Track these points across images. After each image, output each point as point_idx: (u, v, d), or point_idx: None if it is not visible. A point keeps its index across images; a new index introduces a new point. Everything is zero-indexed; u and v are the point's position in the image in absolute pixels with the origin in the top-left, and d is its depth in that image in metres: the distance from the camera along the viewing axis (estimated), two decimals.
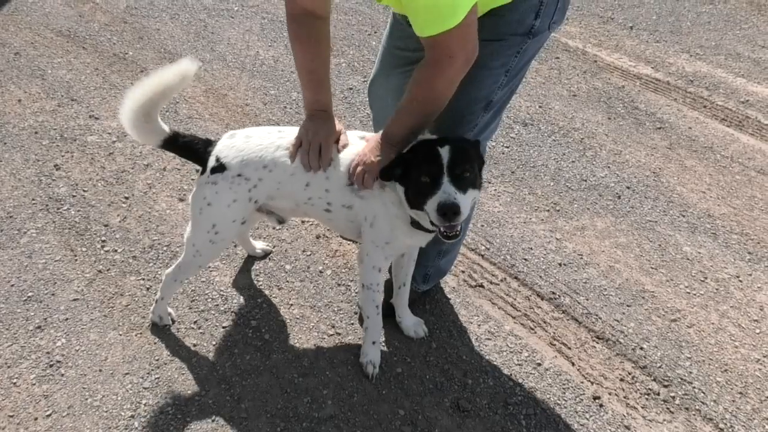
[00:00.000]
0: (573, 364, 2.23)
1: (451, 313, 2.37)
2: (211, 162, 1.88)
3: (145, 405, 1.97)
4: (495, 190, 3.00)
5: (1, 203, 2.67)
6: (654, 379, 2.20)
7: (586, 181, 3.10)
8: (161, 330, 2.20)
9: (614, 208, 2.94)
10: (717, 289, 2.56)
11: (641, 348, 2.30)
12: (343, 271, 2.50)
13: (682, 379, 2.20)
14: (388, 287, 2.30)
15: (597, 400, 2.12)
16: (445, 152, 1.68)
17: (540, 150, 3.30)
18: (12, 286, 2.31)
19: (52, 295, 2.30)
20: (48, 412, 1.93)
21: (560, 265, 2.61)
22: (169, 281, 2.10)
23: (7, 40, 3.92)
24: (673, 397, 2.15)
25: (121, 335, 2.17)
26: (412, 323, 2.24)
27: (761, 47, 4.48)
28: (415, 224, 1.85)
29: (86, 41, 4.01)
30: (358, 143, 1.91)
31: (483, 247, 2.65)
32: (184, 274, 2.09)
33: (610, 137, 3.44)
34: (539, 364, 2.22)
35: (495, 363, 2.21)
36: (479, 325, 2.33)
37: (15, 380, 2.01)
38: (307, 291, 2.41)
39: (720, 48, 4.43)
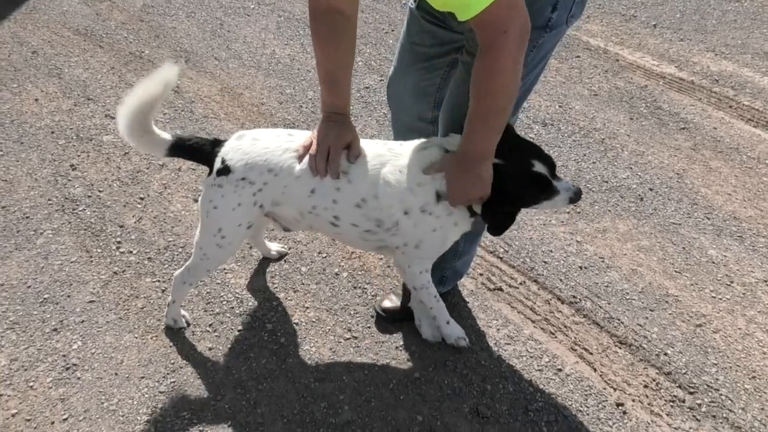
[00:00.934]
0: (595, 370, 2.18)
1: (469, 317, 2.32)
2: (217, 163, 1.85)
3: (161, 409, 1.95)
4: None
5: (18, 204, 2.67)
6: (679, 386, 2.14)
7: (607, 182, 3.03)
8: (176, 333, 2.18)
9: (636, 210, 2.87)
10: (744, 294, 2.49)
11: (665, 354, 2.24)
12: (359, 273, 2.47)
13: (708, 385, 2.14)
14: (407, 291, 2.26)
15: (620, 407, 2.06)
16: (539, 166, 1.77)
17: (560, 150, 3.24)
18: (28, 287, 2.31)
19: (68, 296, 2.29)
20: (65, 416, 1.92)
21: (581, 268, 2.56)
22: (178, 284, 2.08)
23: (25, 38, 3.93)
24: (699, 405, 2.09)
25: (136, 338, 2.16)
26: (430, 327, 2.20)
27: None
28: (473, 212, 1.85)
29: (103, 40, 4.01)
30: (370, 150, 1.85)
31: (502, 250, 2.61)
32: (193, 276, 2.07)
33: (633, 138, 3.37)
34: (560, 370, 2.17)
35: (515, 368, 2.16)
36: (498, 330, 2.29)
37: (32, 383, 2.00)
38: (323, 294, 2.37)
39: (746, 47, 4.33)
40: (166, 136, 1.89)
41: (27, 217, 2.60)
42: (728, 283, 2.54)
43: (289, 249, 2.54)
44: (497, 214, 1.81)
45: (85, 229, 2.57)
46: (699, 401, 2.10)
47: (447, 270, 2.21)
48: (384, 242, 1.92)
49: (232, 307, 2.28)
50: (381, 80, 3.74)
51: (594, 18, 4.65)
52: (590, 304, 2.40)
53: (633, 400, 2.09)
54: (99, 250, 2.48)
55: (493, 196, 1.75)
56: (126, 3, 4.50)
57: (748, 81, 3.92)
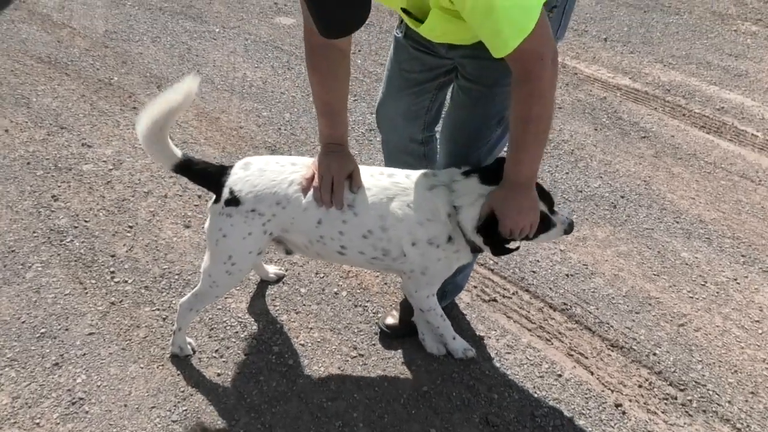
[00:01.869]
0: (592, 374, 2.28)
1: (469, 329, 2.40)
2: (225, 194, 1.87)
3: None
4: None
5: (1, 237, 2.60)
6: (670, 384, 2.27)
7: (581, 192, 3.18)
8: (183, 361, 2.17)
9: (612, 218, 3.03)
10: (717, 293, 2.66)
11: (654, 354, 2.37)
12: (358, 291, 2.51)
13: (696, 382, 2.28)
14: (406, 306, 2.32)
15: (619, 408, 2.17)
16: (541, 205, 1.87)
17: None
18: (23, 323, 2.25)
19: (66, 330, 2.25)
20: None
21: (567, 275, 2.68)
22: (184, 311, 2.08)
23: None
24: (690, 401, 2.22)
25: (142, 368, 2.14)
26: (434, 341, 2.26)
27: (728, 55, 4.68)
28: (476, 249, 1.93)
29: (68, 67, 3.94)
30: (374, 182, 1.91)
31: (491, 262, 2.70)
32: (201, 303, 2.08)
33: (599, 148, 3.55)
34: (560, 375, 2.26)
35: (517, 376, 2.24)
36: (497, 339, 2.37)
37: (38, 420, 1.96)
38: (325, 314, 2.41)
39: (690, 57, 4.62)
40: (177, 152, 1.91)
41: (12, 251, 2.54)
42: (702, 283, 2.70)
43: (286, 271, 2.56)
44: (503, 249, 1.91)
45: (75, 261, 2.52)
46: (690, 397, 2.23)
47: (448, 284, 2.27)
48: (390, 267, 2.00)
49: (237, 332, 2.29)
50: (355, 100, 3.81)
51: None
52: (580, 310, 2.51)
53: (630, 401, 2.20)
54: (93, 281, 2.44)
55: (497, 236, 1.84)
56: (87, 30, 4.43)
57: (697, 90, 4.18)
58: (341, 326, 2.36)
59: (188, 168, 1.93)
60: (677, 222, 3.04)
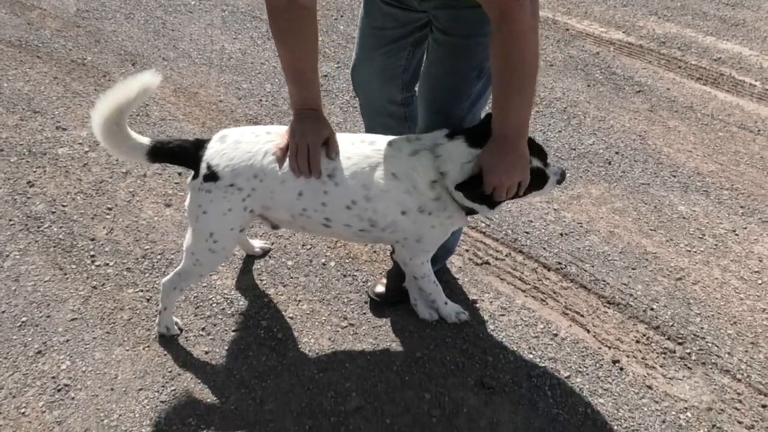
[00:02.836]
0: (588, 331, 2.23)
1: (462, 293, 2.34)
2: (203, 169, 1.79)
3: (165, 419, 1.89)
4: None
5: None
6: (668, 338, 2.22)
7: (575, 149, 3.10)
8: (169, 341, 2.11)
9: (606, 174, 2.95)
10: (716, 245, 2.60)
11: (652, 309, 2.32)
12: (347, 261, 2.45)
13: (695, 335, 2.23)
14: (397, 274, 2.26)
15: (617, 364, 2.13)
16: (535, 161, 1.82)
17: None
18: (3, 312, 2.19)
19: (48, 317, 2.18)
20: None
21: (561, 235, 2.61)
22: (168, 290, 2.02)
23: None
24: (689, 354, 2.17)
25: (128, 350, 2.08)
26: (426, 306, 2.21)
27: (725, 5, 4.56)
28: (469, 211, 1.86)
29: (40, 50, 3.82)
30: (355, 150, 1.82)
31: (483, 225, 2.63)
32: (185, 282, 2.01)
33: (593, 104, 3.46)
34: (555, 335, 2.21)
35: (512, 338, 2.19)
36: (491, 302, 2.31)
37: (23, 410, 1.91)
38: (313, 285, 2.35)
39: (686, 8, 4.49)
40: (144, 140, 1.81)
41: None
42: (700, 236, 2.64)
43: (272, 244, 2.49)
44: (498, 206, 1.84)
45: (54, 247, 2.45)
46: (688, 350, 2.18)
47: (439, 249, 2.21)
48: (381, 239, 1.93)
49: (223, 309, 2.23)
50: (338, 67, 3.71)
51: None
52: (575, 269, 2.45)
53: (627, 356, 2.16)
54: (73, 266, 2.37)
55: (479, 194, 1.76)
56: (57, 10, 4.29)
57: (693, 41, 4.07)
58: (330, 297, 2.30)
59: (162, 151, 1.84)
60: (674, 176, 2.97)
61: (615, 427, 1.94)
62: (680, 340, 2.21)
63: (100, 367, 2.03)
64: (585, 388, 2.05)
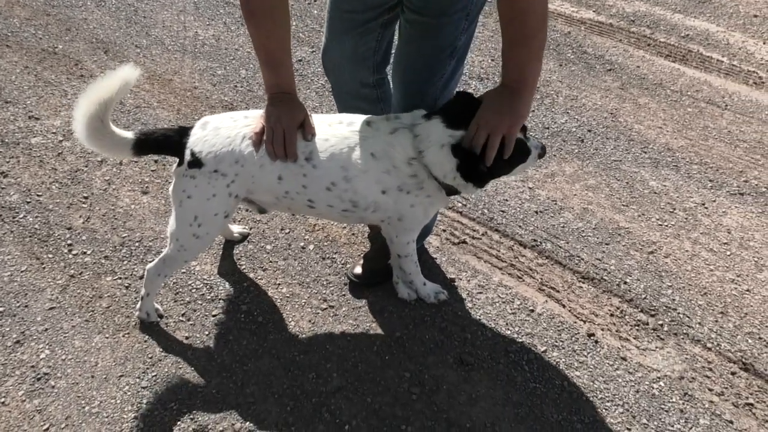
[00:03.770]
0: (564, 306, 2.28)
1: (440, 272, 2.37)
2: (187, 156, 1.79)
3: (146, 404, 1.90)
4: None
5: None
6: (641, 311, 2.27)
7: (548, 128, 3.14)
8: (149, 327, 2.12)
9: (579, 152, 2.99)
10: (686, 219, 2.66)
11: (625, 282, 2.37)
12: (325, 244, 2.47)
13: (666, 307, 2.29)
14: (375, 257, 2.29)
15: (592, 337, 2.18)
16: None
17: None
18: None
19: (25, 307, 2.18)
20: (45, 427, 1.84)
21: (537, 212, 2.65)
22: (152, 277, 2.02)
23: None
24: (662, 325, 2.23)
25: (107, 338, 2.09)
26: (407, 286, 2.23)
27: None
28: (451, 191, 1.86)
29: (9, 39, 3.75)
30: (332, 132, 1.83)
31: (460, 204, 2.66)
32: (169, 268, 2.01)
33: (565, 83, 3.49)
34: (532, 311, 2.26)
35: (490, 315, 2.23)
36: (468, 281, 2.35)
37: (3, 399, 1.91)
38: (293, 269, 2.36)
39: None
40: (128, 135, 1.81)
41: None
42: (671, 210, 2.70)
43: (251, 229, 2.50)
44: (483, 181, 1.84)
45: (30, 236, 2.44)
46: (660, 322, 2.24)
47: None
48: (366, 218, 1.94)
49: (203, 294, 2.24)
50: (313, 51, 3.69)
51: None
52: (550, 246, 2.50)
53: (602, 330, 2.21)
54: (50, 256, 2.36)
55: (475, 168, 1.76)
56: None
57: (661, 19, 4.11)
58: (310, 280, 2.32)
59: (147, 143, 1.84)
60: (645, 152, 3.02)
61: (591, 399, 2.00)
62: (653, 312, 2.27)
63: (80, 355, 2.04)
64: (561, 362, 2.10)
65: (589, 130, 3.13)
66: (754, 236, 2.58)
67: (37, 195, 2.63)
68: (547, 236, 2.54)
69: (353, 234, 2.52)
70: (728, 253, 2.51)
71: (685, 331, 2.21)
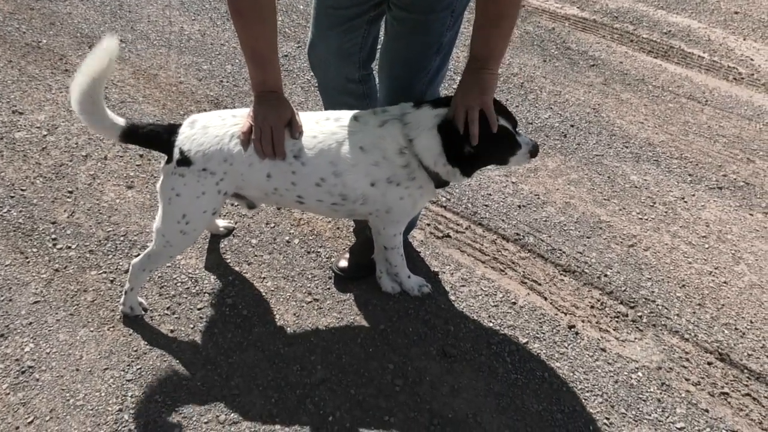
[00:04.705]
0: (545, 299, 2.32)
1: (424, 266, 2.40)
2: (176, 154, 1.81)
3: (131, 397, 1.92)
4: None
5: None
6: (621, 303, 2.31)
7: (532, 123, 3.17)
8: (134, 321, 2.13)
9: (562, 147, 3.03)
10: (666, 212, 2.70)
11: (605, 275, 2.41)
12: (310, 238, 2.49)
13: (646, 299, 2.33)
14: (360, 251, 2.31)
15: (572, 329, 2.21)
16: (503, 120, 1.83)
17: None
18: None
19: (10, 301, 2.18)
20: (29, 419, 1.85)
21: (519, 207, 2.68)
22: (137, 271, 2.03)
23: None
24: (641, 317, 2.27)
25: (92, 331, 2.09)
26: (390, 279, 2.26)
27: None
28: (440, 183, 1.90)
29: None
30: (319, 128, 1.84)
31: (444, 199, 2.69)
32: (154, 263, 2.03)
33: (548, 79, 3.52)
34: (514, 303, 2.29)
35: (472, 307, 2.26)
36: (452, 274, 2.38)
37: None
38: (278, 262, 2.38)
39: None
40: (120, 121, 1.83)
41: None
42: (651, 204, 2.74)
43: (236, 224, 2.51)
44: (472, 169, 1.89)
45: (14, 231, 2.44)
46: (640, 314, 2.28)
47: None
48: (355, 212, 1.96)
49: (188, 288, 2.25)
50: (299, 47, 3.70)
51: None
52: (533, 239, 2.53)
53: (583, 321, 2.25)
54: (34, 250, 2.36)
55: (462, 155, 1.80)
56: None
57: (644, 15, 4.16)
58: (295, 273, 2.34)
59: (135, 133, 1.86)
60: (626, 147, 3.06)
61: (571, 389, 2.03)
62: (632, 304, 2.31)
63: (65, 348, 2.04)
64: (542, 353, 2.13)
65: (572, 125, 3.17)
66: (732, 229, 2.63)
67: (21, 189, 2.62)
68: (530, 230, 2.57)
69: (338, 228, 2.54)
70: (706, 246, 2.56)
71: (663, 323, 2.25)
